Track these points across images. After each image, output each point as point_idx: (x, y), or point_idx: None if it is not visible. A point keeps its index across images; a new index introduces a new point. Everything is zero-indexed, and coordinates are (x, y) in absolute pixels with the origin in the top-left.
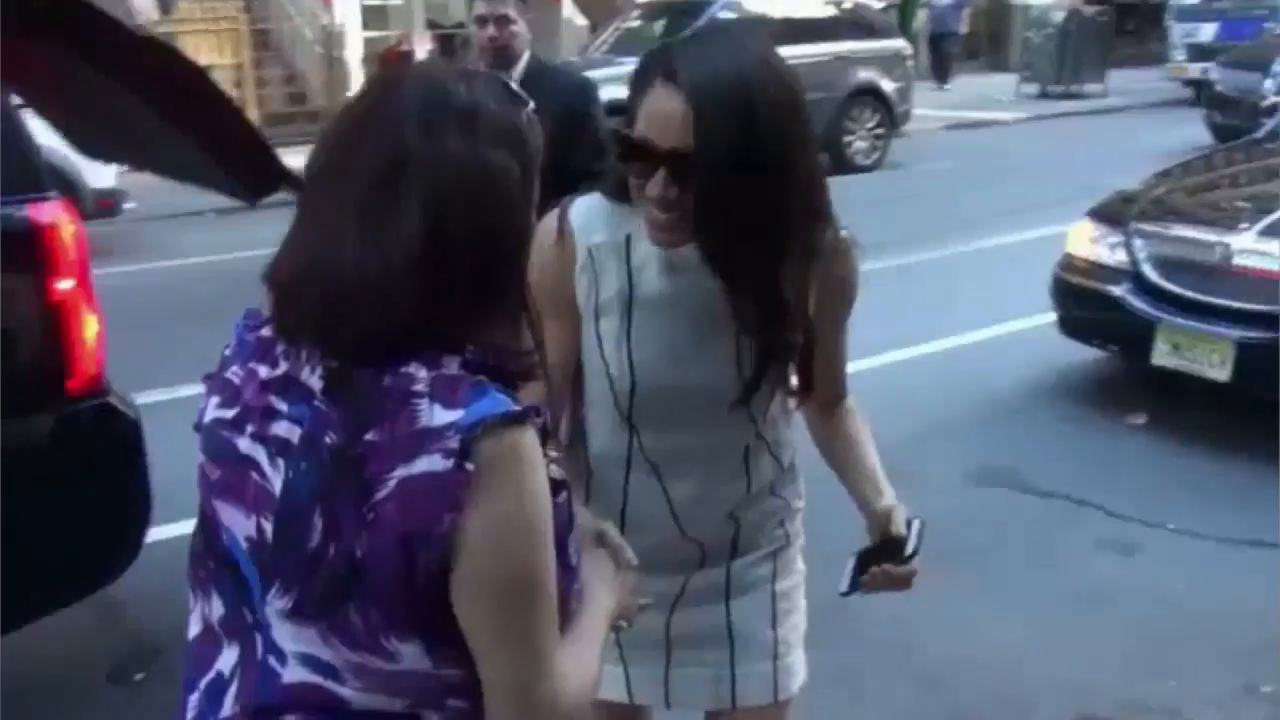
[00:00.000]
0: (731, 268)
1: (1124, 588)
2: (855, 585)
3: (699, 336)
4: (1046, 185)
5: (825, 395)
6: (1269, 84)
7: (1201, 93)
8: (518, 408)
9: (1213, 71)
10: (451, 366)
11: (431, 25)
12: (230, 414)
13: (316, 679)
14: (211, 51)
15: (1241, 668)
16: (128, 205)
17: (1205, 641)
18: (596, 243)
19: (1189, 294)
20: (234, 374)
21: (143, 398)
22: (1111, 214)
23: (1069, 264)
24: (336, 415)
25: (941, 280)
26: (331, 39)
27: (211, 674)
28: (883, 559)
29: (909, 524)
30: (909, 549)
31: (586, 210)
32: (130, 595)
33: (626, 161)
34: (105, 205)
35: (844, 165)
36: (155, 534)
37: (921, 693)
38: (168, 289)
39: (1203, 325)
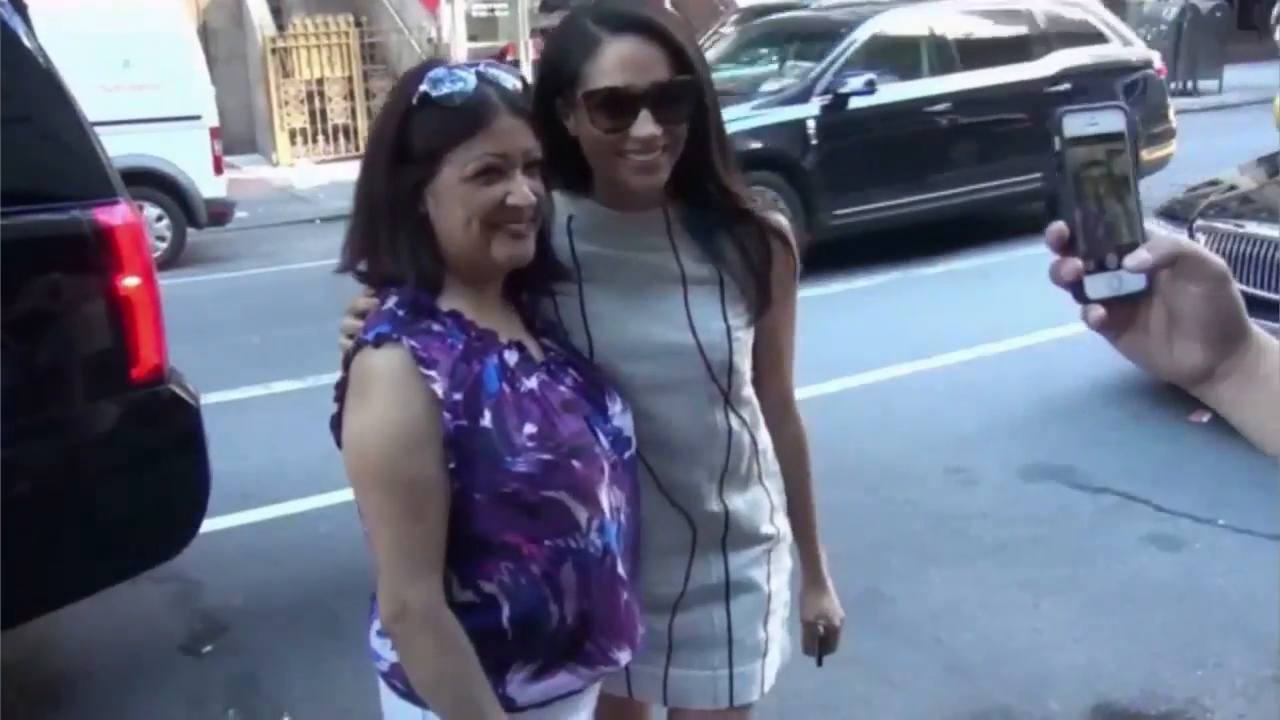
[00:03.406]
0: (721, 190)
1: (1164, 581)
2: None
3: (651, 297)
4: (1150, 185)
5: (776, 386)
6: None
7: None
8: (380, 334)
9: None
10: (390, 300)
11: (536, 34)
12: None
13: None
14: (324, 65)
15: (1273, 660)
16: (238, 214)
17: (1239, 634)
18: None
19: (1251, 290)
20: None
21: (239, 393)
22: (1177, 211)
23: None
24: None
25: (1013, 281)
26: (438, 50)
27: None
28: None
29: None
30: (817, 661)
31: None
32: (204, 577)
33: (610, 112)
34: (218, 214)
35: None
36: (229, 521)
37: (946, 679)
38: (279, 291)
39: (1267, 322)
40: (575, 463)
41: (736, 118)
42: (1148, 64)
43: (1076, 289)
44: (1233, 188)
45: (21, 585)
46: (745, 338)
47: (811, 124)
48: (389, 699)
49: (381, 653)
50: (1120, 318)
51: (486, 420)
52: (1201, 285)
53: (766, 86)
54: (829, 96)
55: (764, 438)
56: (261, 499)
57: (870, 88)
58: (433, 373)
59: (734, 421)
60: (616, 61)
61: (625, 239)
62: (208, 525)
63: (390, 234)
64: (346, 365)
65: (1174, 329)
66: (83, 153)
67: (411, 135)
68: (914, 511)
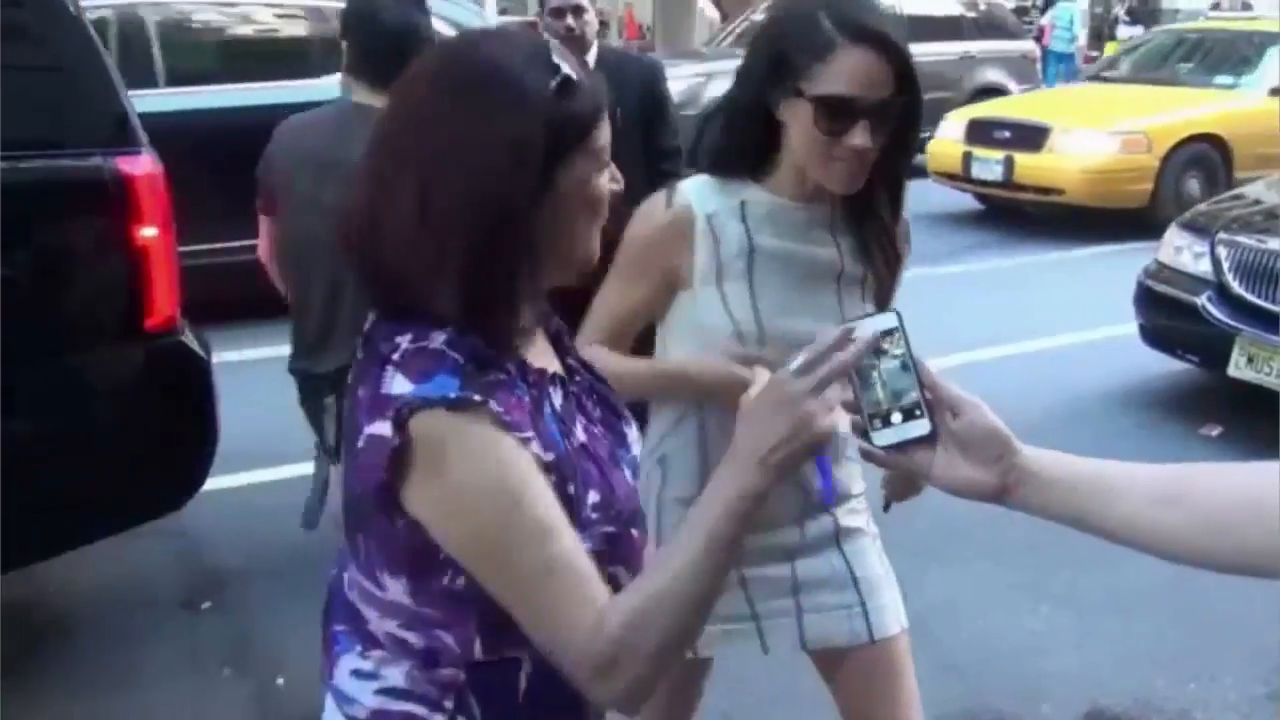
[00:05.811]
0: (894, 208)
1: (1164, 591)
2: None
3: (810, 289)
4: None
5: None
6: None
7: None
8: (458, 395)
9: None
10: (436, 340)
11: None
12: None
13: (350, 594)
14: None
15: (1267, 676)
16: None
17: (1235, 649)
18: (712, 210)
19: (1269, 306)
20: None
21: (249, 354)
22: (1199, 223)
23: (1155, 272)
24: (358, 369)
25: (1029, 285)
26: None
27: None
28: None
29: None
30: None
31: (697, 186)
32: (205, 534)
33: (833, 118)
34: None
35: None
36: (232, 480)
37: (940, 677)
38: None
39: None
40: (634, 531)
41: None
42: None
43: (866, 439)
44: (1257, 202)
45: (23, 529)
46: None
47: None
48: None
49: (358, 696)
50: (924, 460)
51: (571, 489)
52: (965, 412)
53: None
54: None
55: None
56: (266, 460)
57: None
58: (526, 434)
59: None
60: (849, 71)
61: (796, 231)
62: (211, 484)
63: (489, 258)
64: (400, 426)
65: (964, 458)
66: (109, 102)
67: (560, 131)
68: (916, 509)
